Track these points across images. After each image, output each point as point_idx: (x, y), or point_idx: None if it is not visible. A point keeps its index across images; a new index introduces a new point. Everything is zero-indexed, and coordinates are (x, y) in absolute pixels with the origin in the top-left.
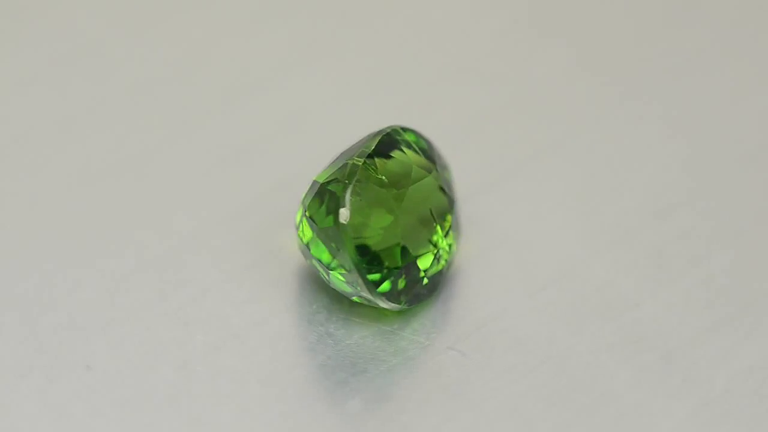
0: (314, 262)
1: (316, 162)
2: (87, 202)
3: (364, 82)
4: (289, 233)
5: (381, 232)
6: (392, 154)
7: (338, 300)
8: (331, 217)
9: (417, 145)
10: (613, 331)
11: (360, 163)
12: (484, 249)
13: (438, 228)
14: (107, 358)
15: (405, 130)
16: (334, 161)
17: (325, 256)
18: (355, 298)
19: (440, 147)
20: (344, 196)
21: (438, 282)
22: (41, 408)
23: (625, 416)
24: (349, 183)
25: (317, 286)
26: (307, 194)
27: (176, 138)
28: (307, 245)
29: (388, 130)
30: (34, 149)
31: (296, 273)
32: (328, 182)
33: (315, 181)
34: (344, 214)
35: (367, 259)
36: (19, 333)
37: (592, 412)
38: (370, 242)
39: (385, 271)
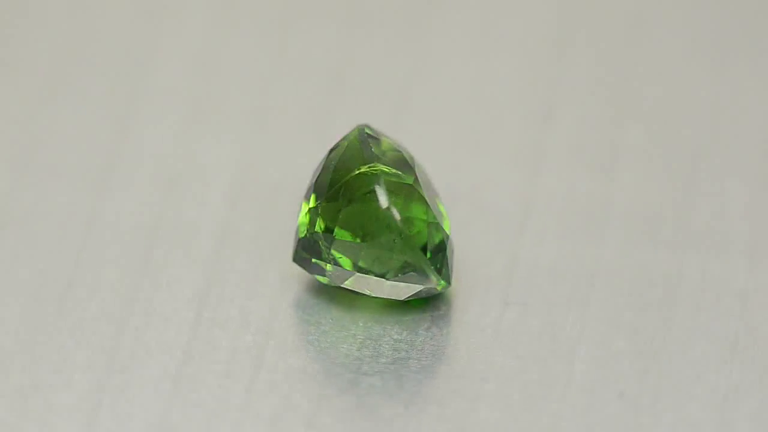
0: (353, 281)
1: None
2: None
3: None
4: (279, 268)
5: (423, 221)
6: (382, 149)
7: (375, 309)
8: (376, 229)
9: (383, 135)
10: (615, 226)
11: (376, 168)
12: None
13: (437, 200)
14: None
15: (366, 126)
16: (323, 183)
17: (378, 269)
18: (404, 298)
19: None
20: (383, 202)
21: None
22: None
23: (702, 288)
24: (380, 189)
25: (343, 305)
26: (317, 222)
27: (105, 204)
28: (344, 268)
29: (364, 131)
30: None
31: (315, 304)
32: (350, 200)
33: (324, 206)
34: (392, 218)
35: (424, 249)
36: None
37: (674, 298)
38: (419, 233)
39: (437, 254)
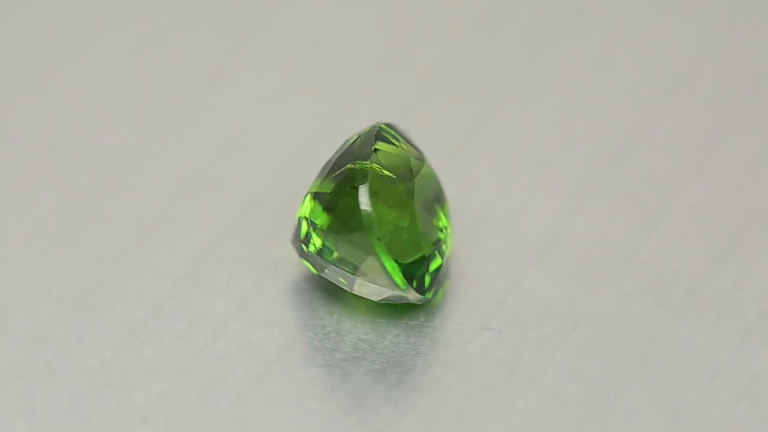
0: (330, 272)
1: (282, 174)
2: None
3: (296, 81)
4: (283, 246)
5: (405, 228)
6: (388, 151)
7: (355, 305)
8: (352, 225)
9: (402, 138)
10: (627, 279)
11: (368, 166)
12: (470, 227)
13: (441, 213)
14: (159, 409)
15: (387, 125)
16: (325, 170)
17: (350, 264)
18: (377, 299)
19: None
20: (363, 201)
21: (447, 268)
22: None
23: (680, 356)
24: (364, 187)
25: (327, 295)
26: (309, 206)
27: (156, 152)
28: (322, 257)
29: (377, 129)
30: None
31: (301, 288)
32: (338, 191)
33: (318, 193)
34: (369, 217)
35: (398, 257)
36: (60, 400)
37: (647, 359)
38: (396, 240)
39: (414, 264)
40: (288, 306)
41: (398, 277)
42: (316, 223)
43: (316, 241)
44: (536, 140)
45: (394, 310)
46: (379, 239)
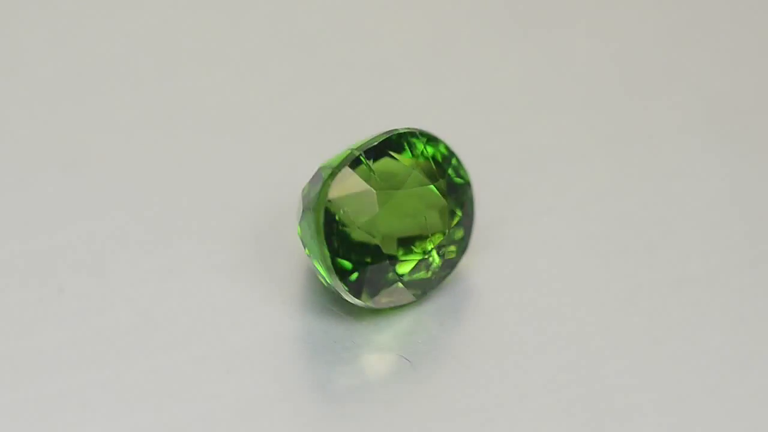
0: (306, 249)
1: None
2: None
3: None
4: (293, 223)
5: (357, 227)
6: (395, 155)
7: (327, 288)
8: (315, 202)
9: (433, 154)
10: (578, 369)
11: (356, 155)
12: (489, 272)
13: (429, 241)
14: (75, 285)
15: (425, 135)
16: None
17: (305, 241)
18: (331, 288)
19: (489, 169)
20: (329, 184)
21: (425, 290)
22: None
23: None
24: (338, 172)
25: (311, 274)
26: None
27: (192, 124)
28: (300, 228)
29: (402, 131)
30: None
31: (295, 254)
32: (322, 168)
33: (319, 167)
34: (324, 200)
35: (337, 248)
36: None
37: None
38: (344, 233)
39: (353, 264)
40: (268, 264)
41: (329, 268)
42: (302, 192)
43: (300, 212)
44: (620, 218)
45: (354, 305)
46: (326, 223)
